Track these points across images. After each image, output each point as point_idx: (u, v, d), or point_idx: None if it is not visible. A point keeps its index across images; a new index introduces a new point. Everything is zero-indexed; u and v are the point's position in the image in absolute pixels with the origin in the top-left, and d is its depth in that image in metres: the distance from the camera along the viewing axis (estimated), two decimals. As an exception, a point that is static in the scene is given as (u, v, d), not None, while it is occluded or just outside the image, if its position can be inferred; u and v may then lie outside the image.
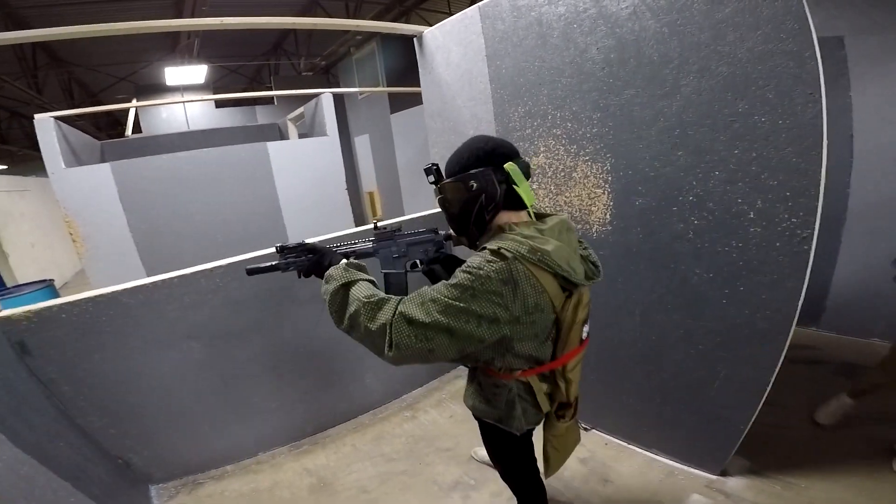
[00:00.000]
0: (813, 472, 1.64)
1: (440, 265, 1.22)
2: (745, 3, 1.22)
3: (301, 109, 4.56)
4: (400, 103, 5.65)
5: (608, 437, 2.00)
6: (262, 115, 7.51)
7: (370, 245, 1.19)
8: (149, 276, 1.95)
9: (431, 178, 1.06)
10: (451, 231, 1.16)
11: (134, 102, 3.98)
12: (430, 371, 2.67)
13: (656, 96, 1.46)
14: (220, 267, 1.94)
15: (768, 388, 1.47)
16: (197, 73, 6.53)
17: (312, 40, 7.08)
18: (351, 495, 1.85)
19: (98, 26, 1.68)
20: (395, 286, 1.19)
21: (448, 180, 1.02)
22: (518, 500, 1.42)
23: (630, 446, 1.93)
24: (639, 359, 1.78)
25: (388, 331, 0.85)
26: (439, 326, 0.84)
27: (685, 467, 1.76)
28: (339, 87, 7.25)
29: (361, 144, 6.92)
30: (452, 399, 2.48)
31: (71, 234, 3.08)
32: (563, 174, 1.82)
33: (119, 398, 1.82)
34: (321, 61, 7.33)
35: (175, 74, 6.40)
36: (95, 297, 1.73)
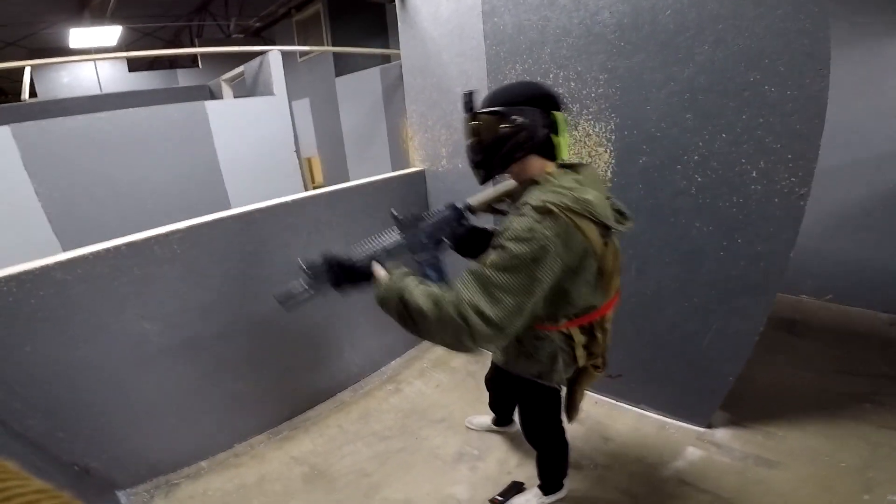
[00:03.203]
0: (788, 423, 1.79)
1: (468, 237, 1.20)
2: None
3: (241, 69, 4.10)
4: (344, 66, 5.32)
5: (597, 395, 2.07)
6: (185, 79, 6.68)
7: (398, 237, 1.13)
8: (64, 249, 1.59)
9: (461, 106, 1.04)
10: (471, 163, 1.08)
11: (29, 61, 3.30)
12: (407, 339, 2.56)
13: (669, 62, 1.47)
14: (177, 231, 1.64)
15: (756, 339, 1.59)
16: (108, 34, 5.60)
17: (246, 1, 6.38)
18: (351, 481, 1.73)
19: None
20: (433, 270, 1.14)
21: (489, 109, 0.98)
22: (543, 456, 1.43)
23: (620, 403, 2.02)
24: (632, 313, 1.83)
25: (465, 334, 0.84)
26: (512, 309, 0.84)
27: (675, 421, 1.87)
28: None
29: (300, 108, 6.45)
30: (435, 367, 2.43)
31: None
32: (563, 134, 1.80)
33: (62, 396, 1.50)
34: (256, 22, 6.63)
35: (81, 36, 5.44)
36: (18, 274, 1.37)
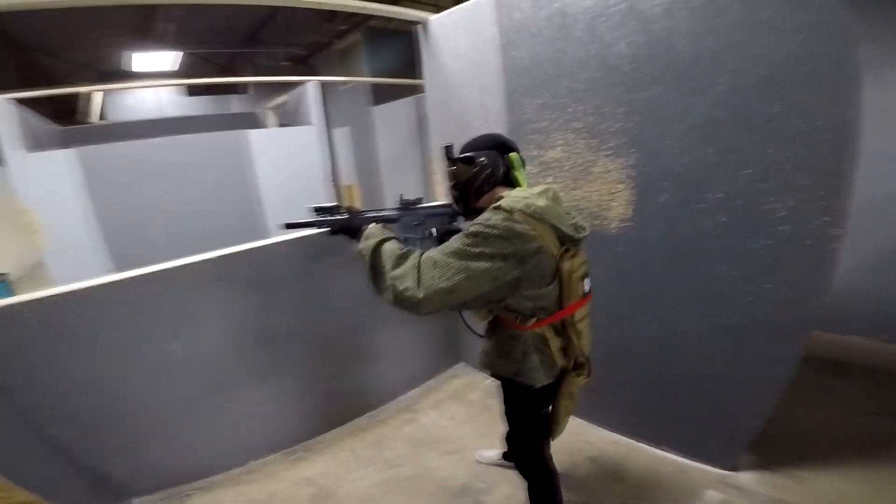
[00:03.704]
0: (819, 466, 1.66)
1: (452, 235, 1.30)
2: (785, 8, 1.21)
3: (284, 97, 4.35)
4: (382, 96, 5.50)
5: (616, 435, 1.98)
6: (237, 105, 7.17)
7: (394, 213, 1.41)
8: (117, 270, 1.74)
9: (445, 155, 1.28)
10: (452, 200, 1.32)
11: (98, 85, 3.64)
12: (425, 370, 2.58)
13: (686, 93, 1.43)
14: (205, 261, 1.75)
15: (785, 384, 1.48)
16: (167, 59, 6.13)
17: (293, 30, 6.80)
18: (355, 505, 1.74)
19: None
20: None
21: (462, 156, 1.23)
22: (530, 486, 1.39)
23: (639, 444, 1.91)
24: (653, 355, 1.77)
25: (416, 273, 1.00)
26: (458, 266, 0.98)
27: (696, 463, 1.76)
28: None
29: (341, 136, 6.70)
30: (452, 399, 2.40)
31: (29, 224, 2.79)
32: (581, 168, 1.77)
33: (93, 406, 1.62)
34: (302, 51, 7.05)
35: (143, 60, 5.99)
36: (64, 293, 1.52)
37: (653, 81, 1.49)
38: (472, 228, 1.03)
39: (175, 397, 1.78)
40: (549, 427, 1.29)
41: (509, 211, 1.03)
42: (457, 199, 1.28)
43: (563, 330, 1.15)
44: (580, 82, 1.67)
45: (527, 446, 1.38)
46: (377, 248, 1.11)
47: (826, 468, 1.65)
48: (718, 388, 1.62)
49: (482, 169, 1.19)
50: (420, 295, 0.97)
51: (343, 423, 2.24)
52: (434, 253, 1.03)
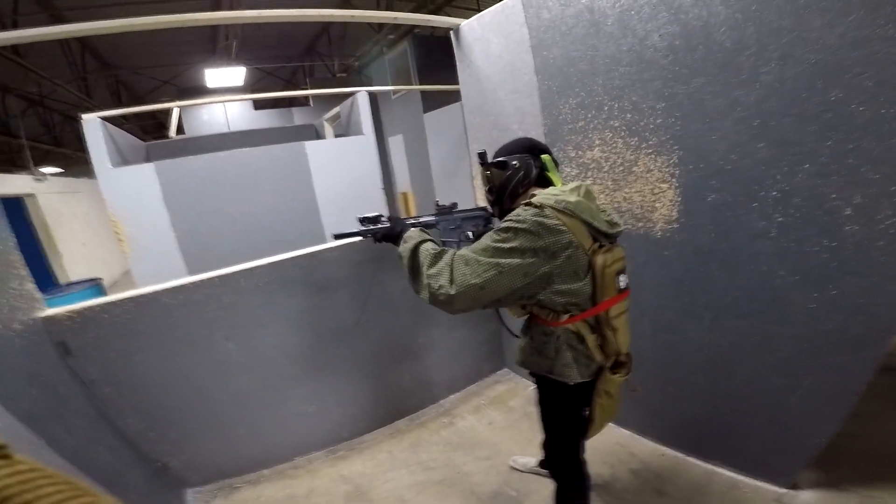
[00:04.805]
0: (893, 486, 1.47)
1: None
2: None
3: (337, 109, 4.55)
4: (433, 102, 5.57)
5: (664, 447, 1.86)
6: (299, 117, 7.61)
7: (433, 218, 1.49)
8: (190, 275, 1.92)
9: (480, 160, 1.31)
10: (488, 203, 1.36)
11: (174, 103, 4.03)
12: (468, 375, 2.58)
13: (731, 84, 1.31)
14: (259, 267, 1.89)
15: (856, 398, 1.31)
16: (236, 75, 6.66)
17: (345, 41, 7.13)
18: (387, 504, 1.78)
19: (133, 20, 1.64)
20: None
21: (496, 160, 1.26)
22: (557, 488, 1.36)
23: (688, 458, 1.78)
24: (705, 365, 1.64)
25: (449, 270, 1.02)
26: (489, 263, 1.00)
27: (750, 480, 1.62)
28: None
29: (395, 144, 6.88)
30: (491, 405, 2.38)
31: (116, 233, 3.15)
32: (621, 168, 1.68)
33: (157, 400, 1.80)
34: (354, 62, 7.36)
35: (214, 76, 6.54)
36: (136, 297, 1.72)
37: (693, 73, 1.38)
38: (503, 225, 1.04)
39: (229, 394, 1.93)
40: (585, 428, 1.25)
41: (539, 206, 1.04)
42: (493, 203, 1.32)
43: (597, 326, 1.12)
44: (615, 78, 1.59)
45: (559, 447, 1.35)
46: (415, 250, 1.15)
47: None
48: (779, 401, 1.47)
49: (515, 172, 1.22)
50: (452, 291, 0.99)
51: (385, 425, 2.30)
52: (466, 251, 1.05)
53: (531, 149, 1.25)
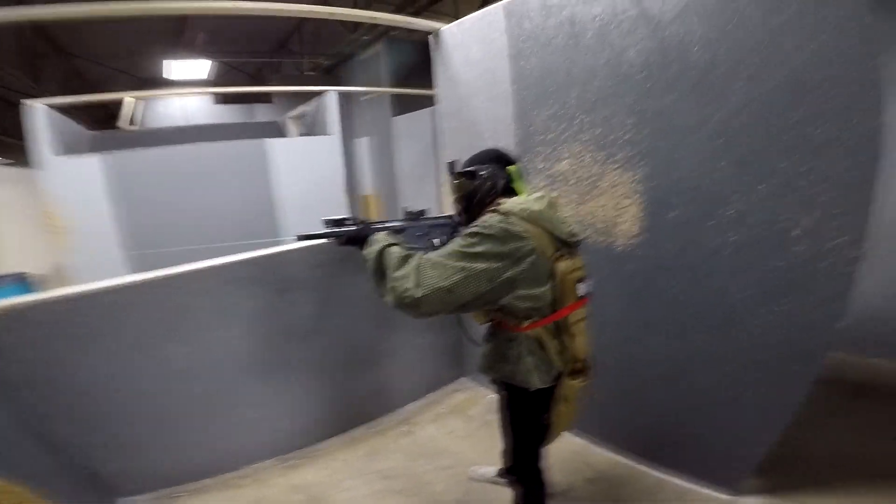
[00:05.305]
0: (829, 492, 1.58)
1: None
2: (804, 9, 1.15)
3: (304, 107, 4.44)
4: (402, 106, 5.57)
5: (618, 457, 1.89)
6: (261, 114, 7.38)
7: (400, 224, 1.48)
8: (133, 273, 1.76)
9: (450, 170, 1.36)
10: (457, 212, 1.38)
11: (128, 93, 3.79)
12: (427, 383, 2.53)
13: (701, 103, 1.38)
14: (211, 268, 1.74)
15: (796, 409, 1.40)
16: (200, 67, 6.37)
17: (319, 39, 6.99)
18: (343, 516, 1.70)
19: (95, 6, 1.54)
20: None
21: (465, 170, 1.29)
22: (516, 494, 1.38)
23: (639, 466, 1.83)
24: (661, 376, 1.69)
25: (416, 274, 1.03)
26: (455, 267, 1.02)
27: (698, 488, 1.67)
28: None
29: (362, 147, 6.79)
30: (452, 413, 2.34)
31: (51, 225, 2.89)
32: (587, 183, 1.72)
33: (89, 405, 1.62)
34: (325, 61, 7.23)
35: (177, 68, 6.22)
36: (74, 295, 1.54)
37: (665, 90, 1.44)
38: (471, 230, 1.08)
39: (172, 400, 1.77)
40: (544, 435, 1.27)
41: (505, 214, 1.09)
42: (460, 212, 1.34)
43: (557, 332, 1.16)
44: (590, 92, 1.64)
45: (521, 453, 1.36)
46: (382, 253, 1.16)
47: (836, 493, 1.58)
48: (727, 411, 1.54)
49: (483, 182, 1.25)
50: (418, 294, 1.00)
51: (340, 433, 2.20)
52: (434, 255, 1.07)
53: (499, 159, 1.29)
